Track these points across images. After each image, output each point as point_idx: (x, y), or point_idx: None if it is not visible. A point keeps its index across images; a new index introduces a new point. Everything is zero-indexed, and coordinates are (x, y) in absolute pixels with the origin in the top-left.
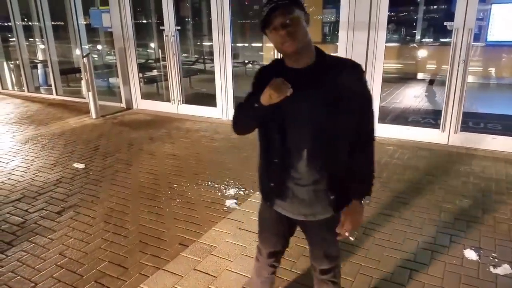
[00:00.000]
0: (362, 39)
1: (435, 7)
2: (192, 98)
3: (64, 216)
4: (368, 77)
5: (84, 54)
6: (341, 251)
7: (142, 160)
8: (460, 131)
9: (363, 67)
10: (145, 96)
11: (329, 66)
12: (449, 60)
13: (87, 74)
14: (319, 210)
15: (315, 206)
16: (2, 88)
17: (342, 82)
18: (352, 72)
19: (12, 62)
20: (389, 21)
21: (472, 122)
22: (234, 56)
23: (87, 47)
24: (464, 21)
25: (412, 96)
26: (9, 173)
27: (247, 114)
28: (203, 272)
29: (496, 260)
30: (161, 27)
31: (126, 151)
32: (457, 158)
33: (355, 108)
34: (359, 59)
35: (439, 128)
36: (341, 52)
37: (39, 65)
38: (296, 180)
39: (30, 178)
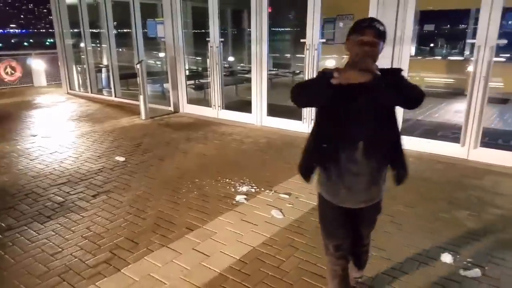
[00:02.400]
0: (386, 54)
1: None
2: (233, 104)
3: (97, 199)
4: None
5: (138, 61)
6: None
7: (174, 157)
8: (480, 146)
9: None
10: (191, 101)
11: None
12: (471, 76)
13: (139, 79)
14: (375, 195)
15: (373, 192)
16: (70, 89)
17: (389, 93)
18: (397, 80)
19: (80, 66)
20: (435, 35)
21: (492, 138)
22: (284, 66)
23: (143, 54)
24: (486, 38)
25: (453, 111)
26: (61, 161)
27: (316, 87)
28: (199, 252)
29: (469, 264)
30: (207, 39)
31: (163, 148)
32: (472, 173)
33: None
34: None
35: (459, 143)
36: None
37: (103, 70)
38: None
39: (77, 167)
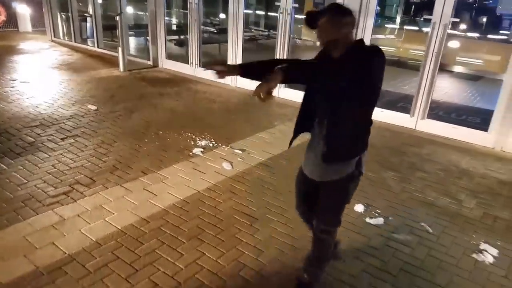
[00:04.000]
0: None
1: None
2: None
3: (65, 142)
4: None
5: (117, 13)
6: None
7: (144, 110)
8: (427, 118)
9: None
10: (171, 56)
11: (352, 56)
12: (425, 51)
13: (118, 31)
14: (321, 173)
15: (318, 168)
16: (54, 37)
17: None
18: (370, 56)
19: (65, 14)
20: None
21: (442, 111)
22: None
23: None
24: (441, 15)
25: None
26: (36, 106)
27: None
28: (149, 191)
29: (376, 214)
30: None
31: (135, 101)
32: (414, 142)
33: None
34: None
35: (409, 113)
36: None
37: (88, 19)
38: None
39: (51, 112)
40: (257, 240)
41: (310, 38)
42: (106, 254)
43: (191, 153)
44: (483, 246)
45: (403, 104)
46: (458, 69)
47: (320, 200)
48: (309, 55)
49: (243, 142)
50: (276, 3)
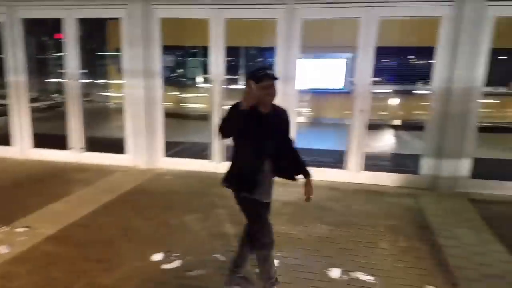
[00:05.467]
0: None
1: None
2: None
3: None
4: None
5: None
6: None
7: None
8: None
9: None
10: None
11: (276, 111)
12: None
13: None
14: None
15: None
16: None
17: (283, 120)
18: (286, 113)
19: None
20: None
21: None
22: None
23: None
24: (217, 74)
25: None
26: None
27: (233, 120)
28: None
29: (175, 258)
30: None
31: None
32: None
33: (286, 131)
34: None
35: (209, 159)
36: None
37: None
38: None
39: None
40: None
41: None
42: None
43: None
44: None
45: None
46: None
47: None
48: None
49: (30, 217)
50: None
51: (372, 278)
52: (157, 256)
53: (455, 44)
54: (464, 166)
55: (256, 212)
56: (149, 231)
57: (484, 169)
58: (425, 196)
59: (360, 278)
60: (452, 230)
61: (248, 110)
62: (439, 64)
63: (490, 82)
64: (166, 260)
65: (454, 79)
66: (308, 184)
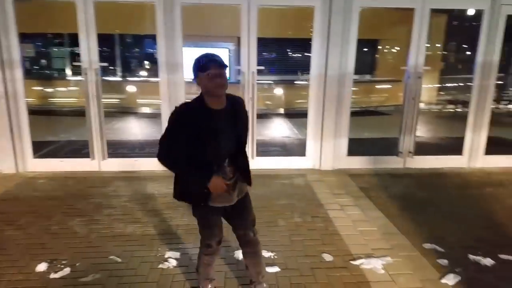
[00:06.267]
0: None
1: None
2: None
3: None
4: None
5: None
6: None
7: None
8: (108, 157)
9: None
10: None
11: (232, 105)
12: (85, 96)
13: None
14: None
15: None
16: None
17: (241, 114)
18: (243, 104)
19: None
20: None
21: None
22: None
23: None
24: (90, 62)
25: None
26: None
27: (191, 178)
28: None
29: (62, 266)
30: None
31: None
32: (100, 182)
33: (245, 127)
34: None
35: (89, 157)
36: None
37: None
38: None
39: None
40: None
41: None
42: None
43: None
44: (168, 254)
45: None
46: (144, 110)
47: (243, 212)
48: None
49: None
50: None
51: (272, 254)
52: (41, 267)
53: (327, 34)
54: (342, 146)
55: (207, 220)
56: (26, 241)
57: (358, 147)
58: (312, 174)
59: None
60: (337, 202)
61: (196, 107)
62: (315, 54)
63: (356, 71)
64: (52, 269)
65: (328, 67)
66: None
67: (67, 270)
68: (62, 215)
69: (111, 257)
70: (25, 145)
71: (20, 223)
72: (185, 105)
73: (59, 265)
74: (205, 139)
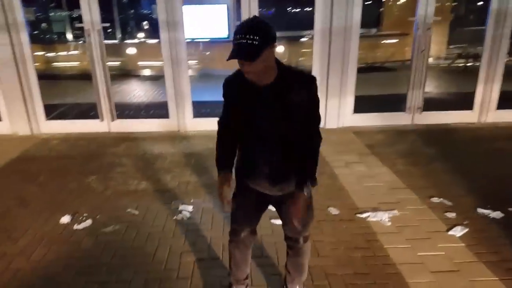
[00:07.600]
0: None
1: None
2: None
3: None
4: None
5: None
6: None
7: None
8: (118, 118)
9: None
10: None
11: (285, 83)
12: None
13: None
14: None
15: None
16: None
17: (295, 96)
18: (305, 85)
19: None
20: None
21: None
22: None
23: None
24: (92, 23)
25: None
26: None
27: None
28: None
29: (84, 218)
30: None
31: None
32: (111, 143)
33: (305, 113)
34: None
35: (99, 119)
36: None
37: None
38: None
39: None
40: None
41: None
42: None
43: None
44: (181, 207)
45: (95, 112)
46: (145, 72)
47: (287, 212)
48: None
49: None
50: None
51: None
52: (65, 219)
53: None
54: (348, 103)
55: (240, 198)
56: (47, 197)
57: (363, 105)
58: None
59: None
60: (343, 159)
61: (239, 76)
62: (319, 5)
63: (362, 24)
64: (75, 221)
65: (333, 20)
66: (296, 199)
67: (89, 222)
68: (78, 173)
69: (128, 210)
70: (38, 108)
71: (40, 180)
72: (233, 74)
73: (81, 218)
74: (242, 116)
